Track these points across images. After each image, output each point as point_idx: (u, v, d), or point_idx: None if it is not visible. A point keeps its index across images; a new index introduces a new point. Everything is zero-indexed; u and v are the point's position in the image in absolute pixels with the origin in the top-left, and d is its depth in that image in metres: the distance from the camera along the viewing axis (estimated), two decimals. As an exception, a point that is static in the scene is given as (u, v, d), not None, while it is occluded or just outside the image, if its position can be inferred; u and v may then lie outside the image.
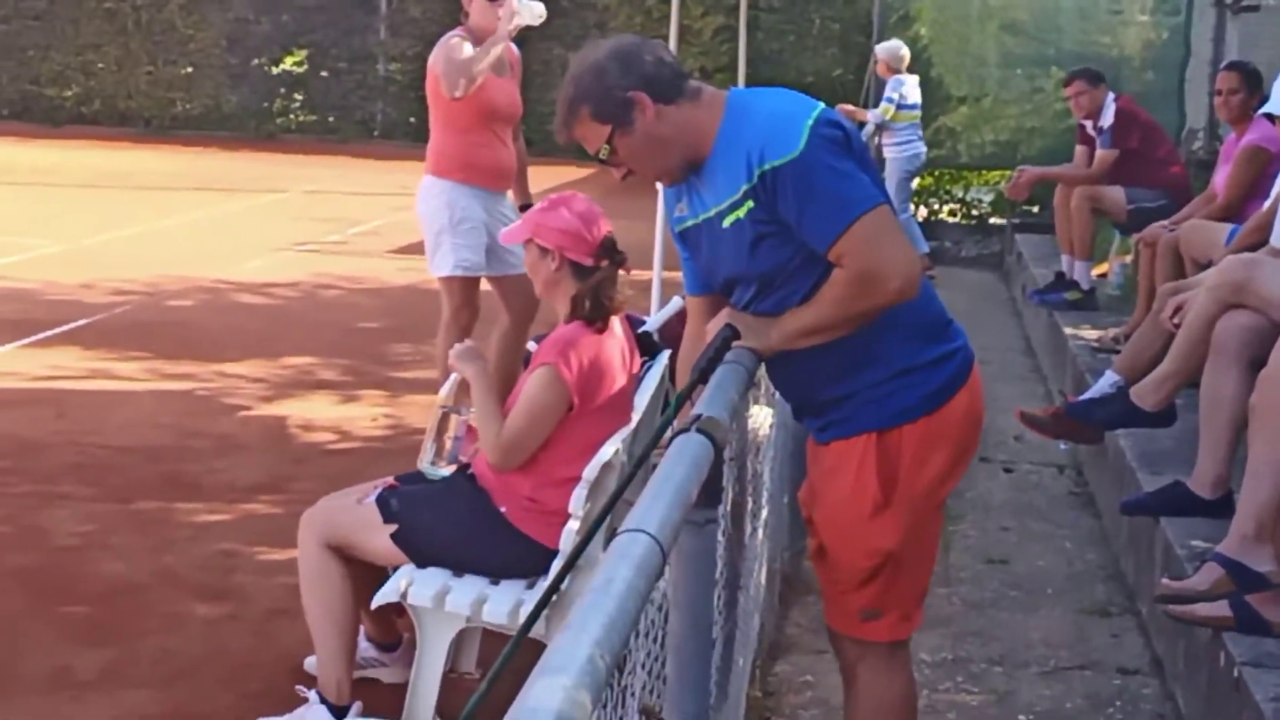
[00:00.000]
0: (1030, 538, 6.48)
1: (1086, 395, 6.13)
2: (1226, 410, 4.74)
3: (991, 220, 15.03)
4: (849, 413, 3.40)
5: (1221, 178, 8.08)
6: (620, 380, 4.48)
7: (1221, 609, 4.21)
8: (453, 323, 6.90)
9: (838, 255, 3.20)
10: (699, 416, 2.74)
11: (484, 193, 6.93)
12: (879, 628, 3.51)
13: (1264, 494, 4.15)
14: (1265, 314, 4.78)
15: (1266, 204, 6.44)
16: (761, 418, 4.32)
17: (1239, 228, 6.77)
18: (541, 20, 7.03)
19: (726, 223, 3.25)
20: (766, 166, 3.15)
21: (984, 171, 15.52)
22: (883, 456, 3.37)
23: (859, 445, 3.39)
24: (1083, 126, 9.95)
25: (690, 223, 3.37)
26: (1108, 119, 9.58)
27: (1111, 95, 9.74)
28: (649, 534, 2.12)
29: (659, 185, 4.50)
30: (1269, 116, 5.62)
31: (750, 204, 3.20)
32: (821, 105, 3.28)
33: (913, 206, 13.94)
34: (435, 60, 6.89)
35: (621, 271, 4.50)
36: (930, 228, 14.48)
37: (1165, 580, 4.45)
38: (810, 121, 3.17)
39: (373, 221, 15.58)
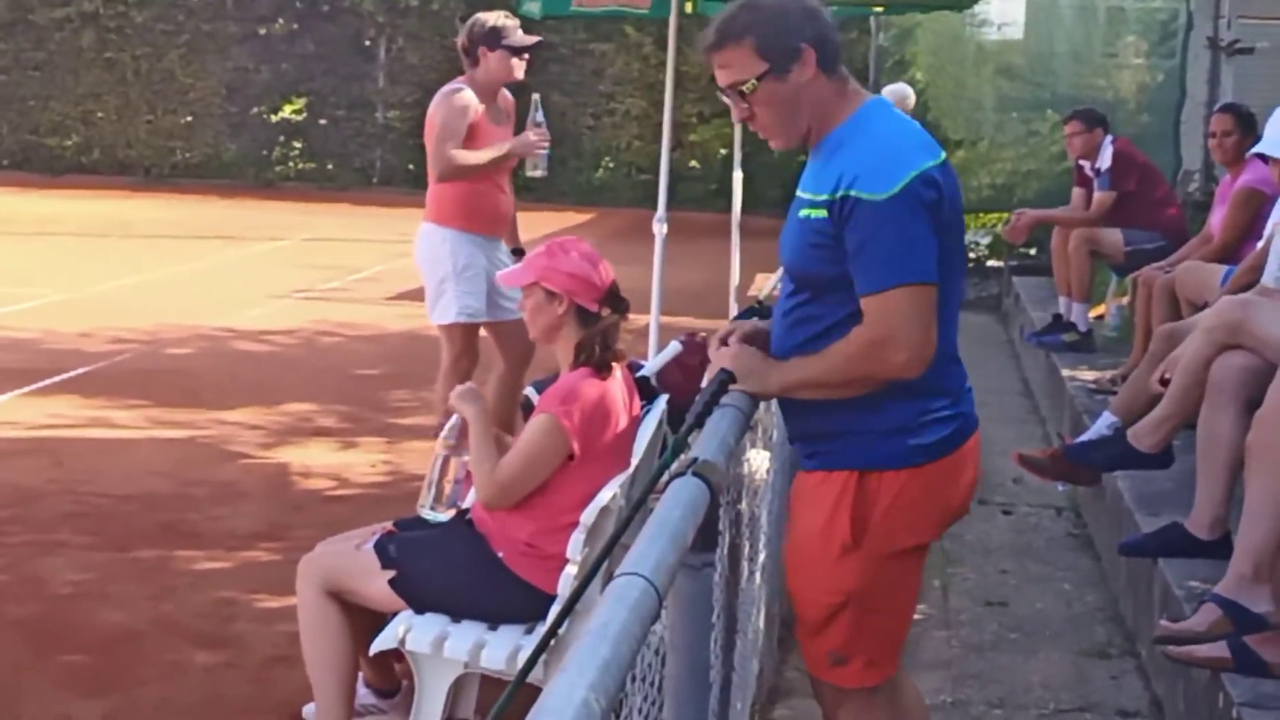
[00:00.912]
0: (1029, 580, 6.48)
1: (1084, 437, 6.15)
2: (1223, 451, 4.75)
3: (989, 263, 15.06)
4: (838, 446, 3.41)
5: (1217, 219, 8.12)
6: (621, 425, 4.49)
7: (1220, 650, 4.20)
8: (453, 369, 6.91)
9: (865, 309, 3.26)
10: (695, 460, 2.75)
11: (484, 240, 6.96)
12: (847, 673, 3.51)
13: (1261, 534, 4.16)
14: (1261, 354, 4.80)
15: (1260, 244, 6.47)
16: (759, 461, 4.33)
17: (1234, 269, 6.79)
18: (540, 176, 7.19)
19: (802, 212, 3.32)
20: (851, 193, 3.21)
21: (981, 214, 15.56)
22: (859, 497, 3.38)
23: (839, 481, 3.41)
24: (1080, 168, 9.98)
25: (797, 194, 3.43)
26: (1105, 161, 9.62)
27: (1109, 137, 9.78)
28: (645, 578, 2.12)
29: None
30: (1261, 157, 5.65)
31: (823, 213, 3.25)
32: (934, 161, 3.31)
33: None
34: (434, 111, 6.92)
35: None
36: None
37: (1163, 621, 4.46)
38: (914, 174, 3.22)
39: (372, 268, 15.62)
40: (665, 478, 2.77)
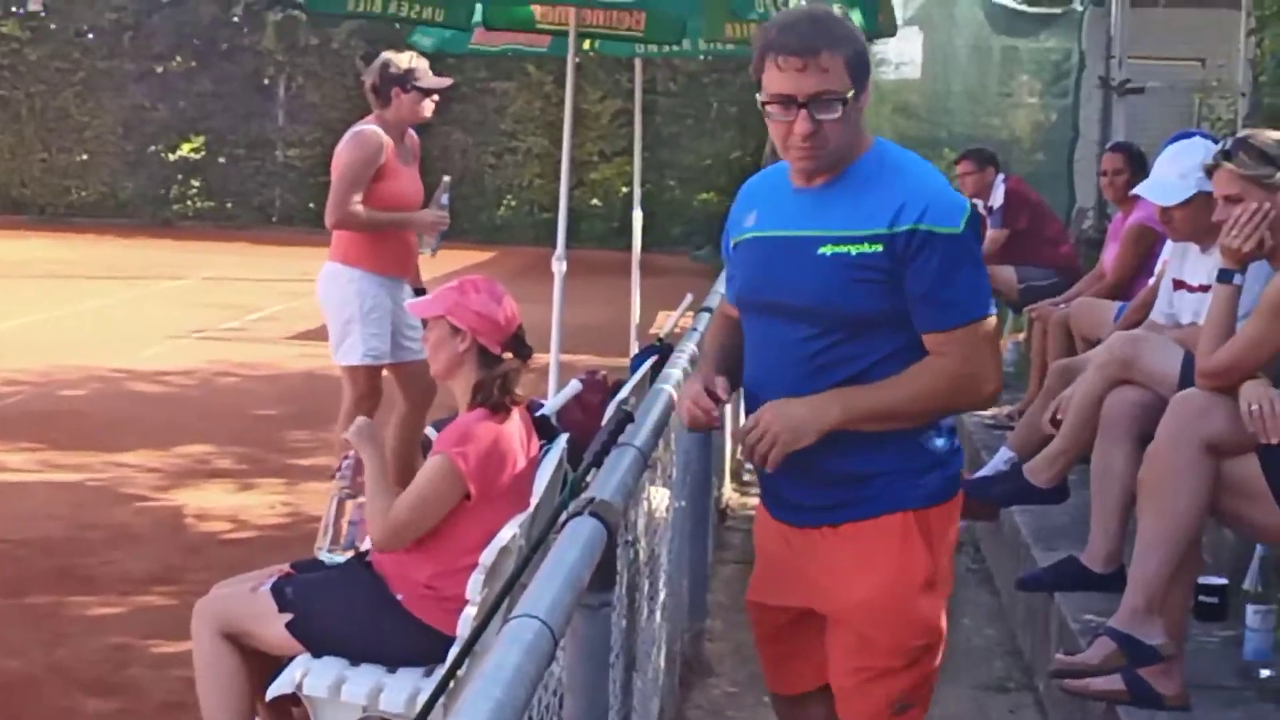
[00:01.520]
0: (929, 615, 6.50)
1: (982, 472, 6.19)
2: (1117, 485, 4.80)
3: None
4: (877, 490, 3.26)
5: (1110, 256, 8.23)
6: (519, 465, 4.47)
7: (1114, 682, 4.25)
8: (355, 410, 6.84)
9: (943, 343, 3.17)
10: (591, 500, 2.75)
11: (391, 281, 6.92)
12: None
13: (1153, 568, 4.21)
14: (1152, 389, 4.86)
15: (1151, 281, 6.56)
16: (659, 499, 4.33)
17: (1127, 305, 6.89)
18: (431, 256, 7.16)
19: (827, 250, 3.15)
20: (921, 226, 3.09)
21: (880, 252, 15.68)
22: (924, 535, 3.28)
23: (898, 523, 3.26)
24: (973, 206, 10.08)
25: (754, 235, 3.30)
26: (997, 199, 9.75)
27: (1001, 176, 9.92)
28: (539, 619, 2.12)
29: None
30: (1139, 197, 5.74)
31: (876, 247, 3.11)
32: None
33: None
34: (343, 151, 6.88)
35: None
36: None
37: (1059, 655, 4.50)
38: (970, 210, 3.21)
39: (271, 308, 15.50)
40: (563, 518, 2.77)
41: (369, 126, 6.88)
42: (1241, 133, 4.59)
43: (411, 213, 7.01)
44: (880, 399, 3.20)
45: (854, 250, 3.13)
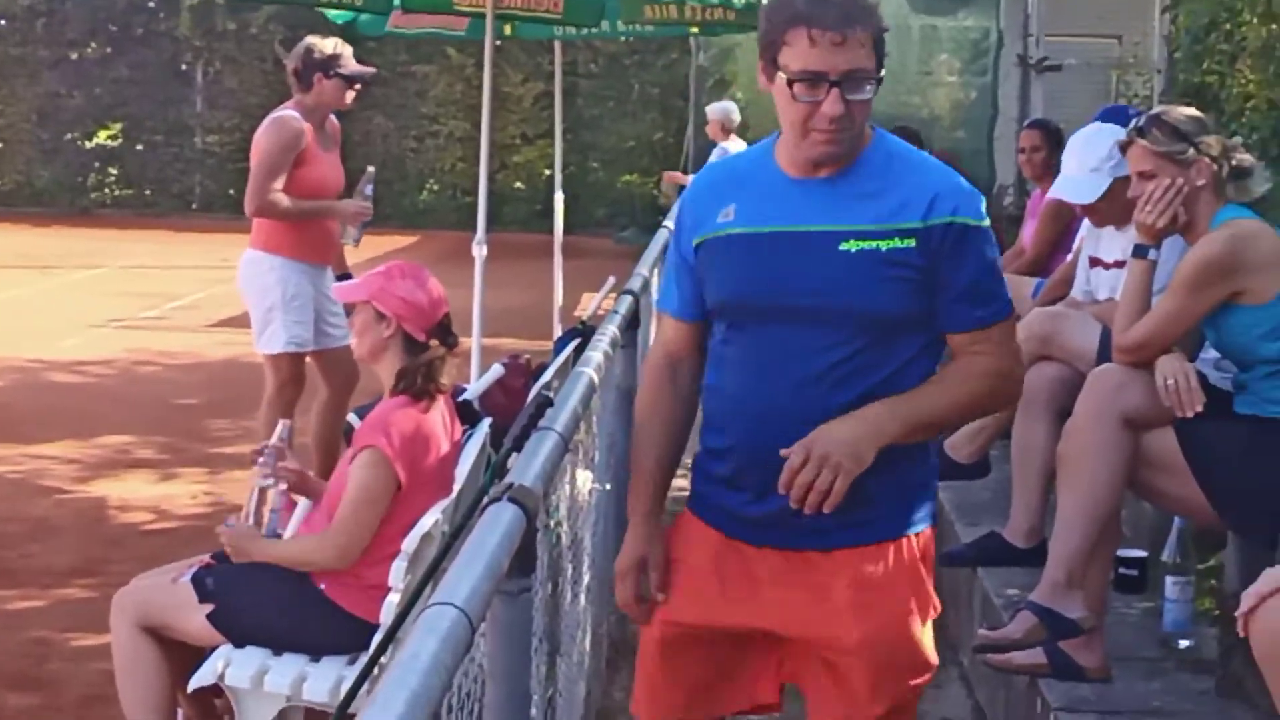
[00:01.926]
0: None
1: (904, 449, 6.22)
2: (1037, 460, 4.84)
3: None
4: (881, 513, 2.99)
5: (1029, 233, 8.28)
6: (442, 451, 4.45)
7: (1036, 656, 4.28)
8: (277, 398, 6.80)
9: (979, 342, 2.97)
10: (510, 485, 2.74)
11: (313, 268, 6.87)
12: None
13: (1073, 542, 4.24)
14: (1071, 365, 4.90)
15: (1070, 257, 6.61)
16: (582, 482, 4.32)
17: (1046, 281, 6.94)
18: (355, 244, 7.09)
19: (851, 246, 2.87)
20: (957, 219, 2.87)
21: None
22: (925, 561, 3.08)
23: (902, 550, 3.01)
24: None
25: (743, 231, 2.97)
26: (920, 177, 9.77)
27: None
28: (457, 607, 2.11)
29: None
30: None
31: (910, 242, 2.86)
32: None
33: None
34: (262, 137, 6.80)
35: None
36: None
37: (982, 630, 4.53)
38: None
39: (191, 295, 15.36)
40: (483, 504, 2.76)
41: (288, 112, 6.82)
42: (1155, 109, 4.62)
43: (334, 202, 6.97)
44: (931, 406, 2.95)
45: (884, 246, 2.86)
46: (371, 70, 7.11)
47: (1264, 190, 4.28)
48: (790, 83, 2.82)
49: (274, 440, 4.69)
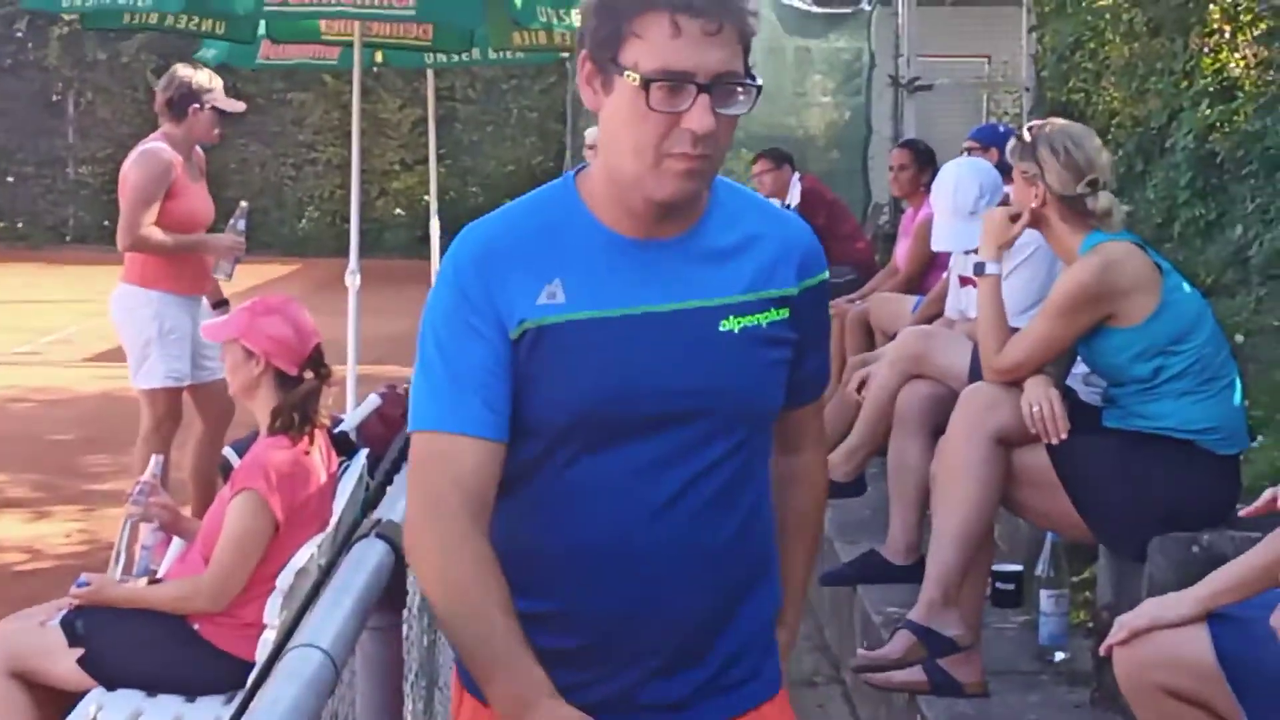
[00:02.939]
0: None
1: (784, 470, 6.25)
2: (912, 478, 4.88)
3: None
4: (766, 655, 2.45)
5: (902, 251, 8.37)
6: (319, 486, 4.41)
7: (915, 674, 4.32)
8: (154, 433, 6.71)
9: (814, 414, 2.54)
10: (379, 521, 2.71)
11: (188, 300, 6.80)
12: None
13: (948, 560, 4.28)
14: (944, 383, 4.95)
15: (945, 275, 6.69)
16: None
17: (923, 299, 7.02)
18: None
19: (733, 325, 2.27)
20: (816, 280, 2.38)
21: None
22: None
23: (784, 699, 2.50)
24: (772, 208, 10.19)
25: (585, 316, 2.24)
26: (794, 198, 9.86)
27: (797, 175, 10.04)
28: (321, 649, 2.08)
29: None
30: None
31: (784, 313, 2.32)
32: None
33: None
34: (130, 170, 6.72)
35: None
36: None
37: (862, 650, 4.56)
38: None
39: (65, 329, 15.11)
40: (354, 539, 2.73)
41: (156, 144, 6.74)
42: (1040, 122, 4.63)
43: (207, 236, 6.92)
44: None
45: (764, 321, 2.30)
46: (243, 106, 7.06)
47: (1121, 222, 4.32)
48: (645, 85, 2.13)
49: (146, 476, 4.63)
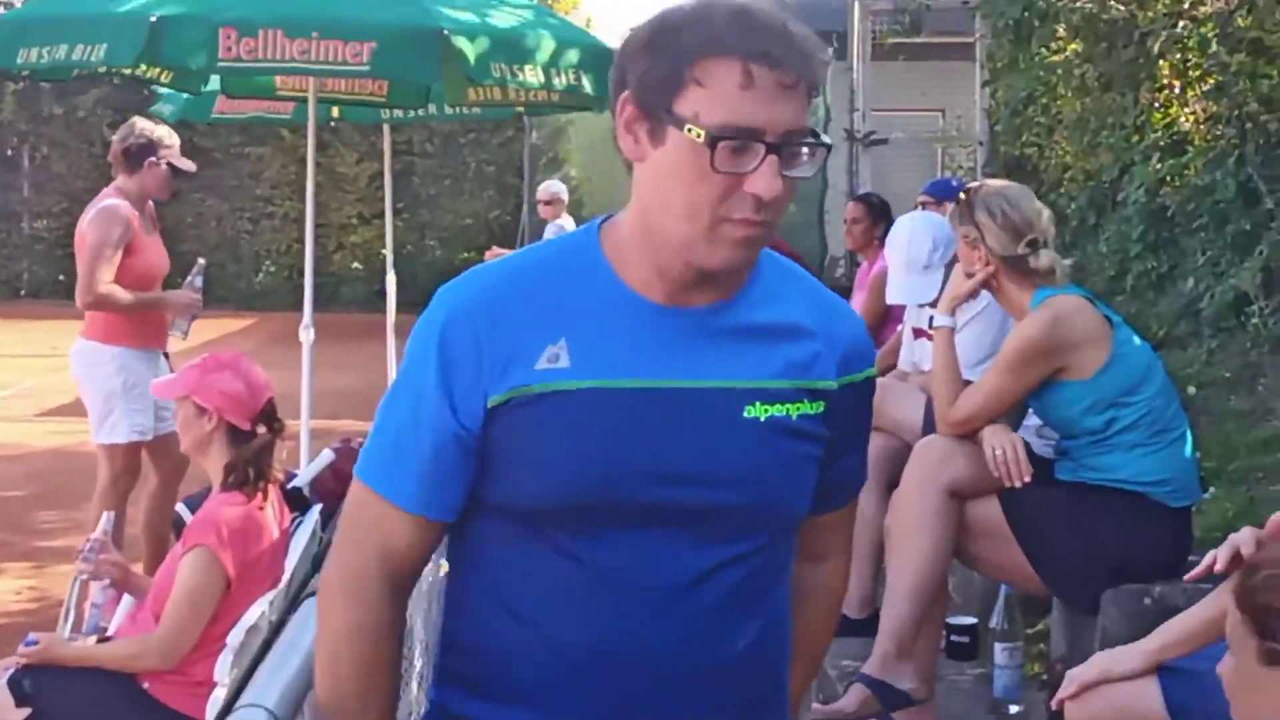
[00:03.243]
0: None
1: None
2: (866, 531, 4.87)
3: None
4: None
5: (857, 304, 8.40)
6: (271, 542, 4.38)
7: (871, 728, 4.32)
8: (111, 489, 6.67)
9: (844, 519, 2.31)
10: (329, 578, 2.69)
11: (149, 354, 6.79)
12: None
13: (903, 613, 4.28)
14: (898, 436, 4.96)
15: (899, 328, 6.72)
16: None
17: (878, 352, 7.04)
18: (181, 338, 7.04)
19: (758, 413, 2.01)
20: (862, 375, 2.13)
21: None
22: None
23: None
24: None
25: (589, 385, 1.98)
26: (751, 253, 9.91)
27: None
28: (265, 709, 2.07)
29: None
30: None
31: (818, 407, 2.06)
32: None
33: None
34: (89, 229, 6.71)
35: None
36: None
37: (817, 704, 4.54)
38: None
39: (21, 384, 14.98)
40: (303, 596, 2.71)
41: (112, 201, 6.74)
42: (983, 183, 4.69)
43: (165, 294, 6.93)
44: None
45: (794, 412, 2.04)
46: (194, 166, 7.11)
47: (1066, 276, 4.37)
48: (712, 143, 1.89)
49: (97, 533, 4.60)
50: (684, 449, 1.99)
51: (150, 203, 6.98)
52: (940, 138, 15.64)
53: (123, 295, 6.63)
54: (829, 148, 2.00)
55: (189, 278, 6.94)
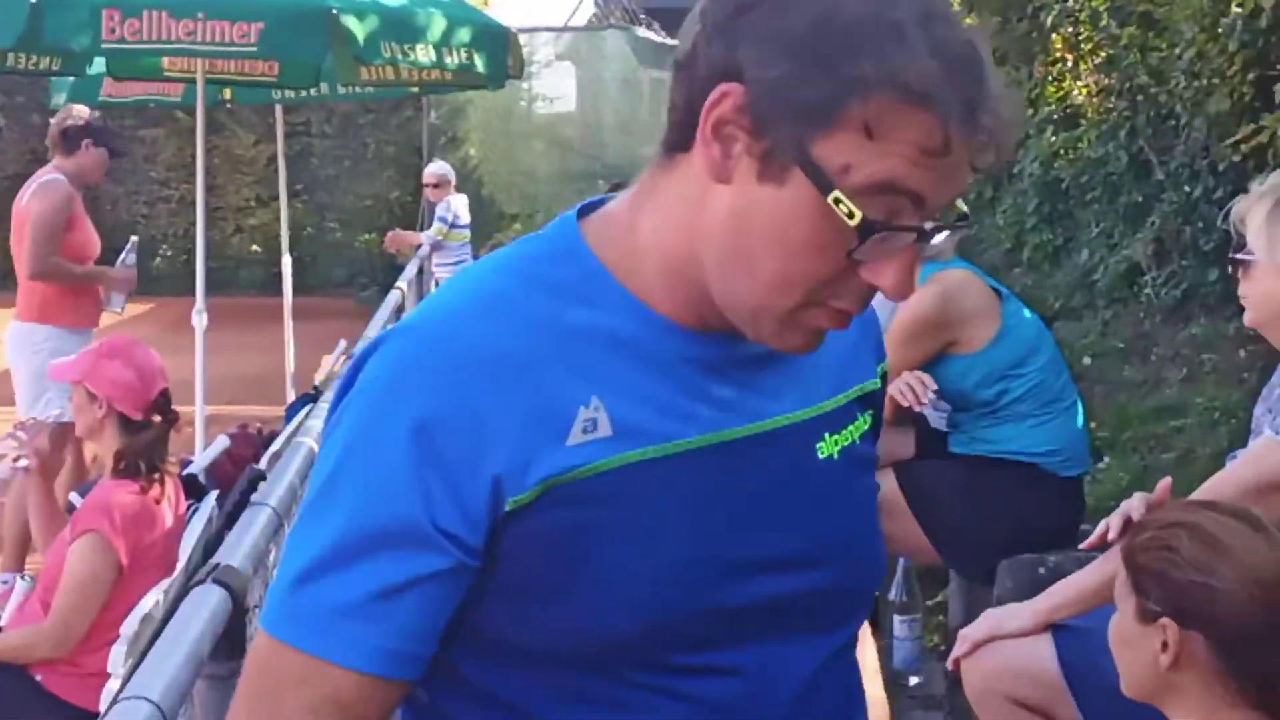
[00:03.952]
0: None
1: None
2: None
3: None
4: None
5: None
6: (165, 530, 4.33)
7: None
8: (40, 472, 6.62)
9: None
10: (216, 566, 2.67)
11: (83, 334, 6.82)
12: None
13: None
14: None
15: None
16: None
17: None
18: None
19: (832, 448, 1.53)
20: (886, 364, 1.71)
21: (543, 285, 15.78)
22: None
23: None
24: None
25: (655, 452, 1.42)
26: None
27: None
28: (150, 701, 2.03)
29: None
30: None
31: (867, 419, 1.61)
32: None
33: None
34: (32, 203, 6.75)
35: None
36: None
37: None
38: None
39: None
40: (193, 584, 2.68)
41: (54, 176, 6.82)
42: None
43: (105, 269, 7.04)
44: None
45: (857, 435, 1.57)
46: (127, 152, 7.30)
47: (952, 251, 4.40)
48: (865, 232, 1.32)
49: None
50: (768, 518, 1.45)
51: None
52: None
53: (71, 267, 6.74)
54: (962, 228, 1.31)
55: (122, 255, 7.03)
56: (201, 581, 2.58)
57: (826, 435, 1.51)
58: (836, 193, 1.30)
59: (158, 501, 4.29)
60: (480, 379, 1.38)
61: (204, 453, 5.68)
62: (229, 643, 2.58)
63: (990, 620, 3.35)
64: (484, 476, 1.37)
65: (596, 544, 1.39)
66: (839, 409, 1.54)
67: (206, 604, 2.50)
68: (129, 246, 7.05)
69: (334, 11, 6.11)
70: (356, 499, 1.39)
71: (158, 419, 4.34)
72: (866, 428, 1.59)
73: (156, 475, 4.29)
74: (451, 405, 1.37)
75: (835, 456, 1.51)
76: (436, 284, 12.98)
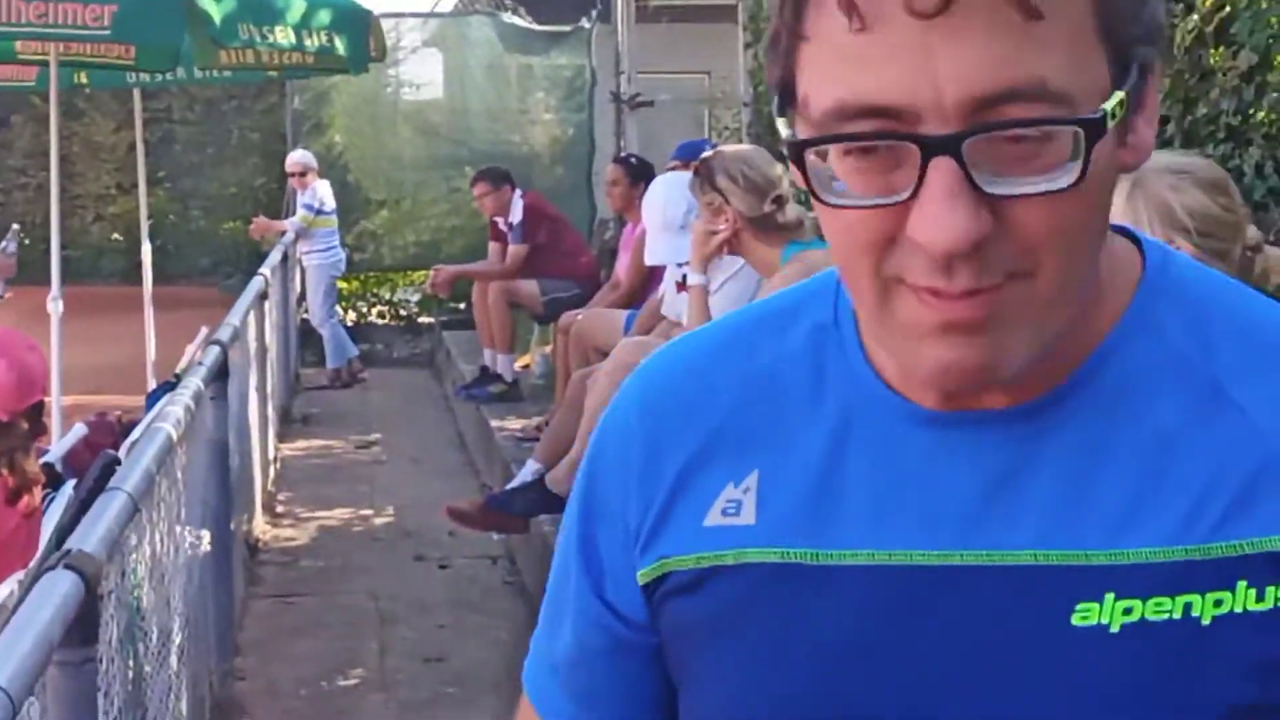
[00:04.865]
0: (466, 632, 6.53)
1: (510, 485, 6.27)
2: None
3: (420, 320, 15.24)
4: None
5: (623, 265, 8.47)
6: (20, 518, 4.25)
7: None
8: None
9: None
10: (68, 552, 2.64)
11: None
12: None
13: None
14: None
15: (659, 289, 6.78)
16: (163, 542, 4.19)
17: (637, 313, 7.10)
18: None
19: (1110, 617, 0.99)
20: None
21: (409, 272, 15.69)
22: None
23: None
24: (495, 223, 10.25)
25: (788, 555, 1.08)
26: (516, 215, 9.92)
27: (519, 192, 10.09)
28: (-3, 687, 2.01)
29: None
30: None
31: (1276, 596, 0.97)
32: None
33: (340, 311, 13.96)
34: None
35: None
36: (360, 331, 14.54)
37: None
38: None
39: None
40: (43, 570, 2.65)
41: None
42: (716, 150, 4.79)
43: None
44: None
45: (1210, 613, 0.98)
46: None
47: (814, 231, 4.46)
48: (798, 153, 0.99)
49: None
50: (960, 683, 1.02)
51: None
52: (707, 99, 15.75)
53: None
54: (1089, 124, 0.92)
55: (3, 243, 6.88)
56: (53, 568, 2.55)
57: (1113, 595, 0.99)
58: (787, 127, 1.01)
59: (16, 497, 4.21)
60: (652, 436, 1.15)
61: (60, 441, 5.61)
62: (81, 629, 2.55)
63: None
64: (627, 546, 1.16)
65: (711, 654, 1.11)
66: (1161, 565, 0.98)
67: (58, 590, 2.47)
68: (11, 234, 6.92)
69: (190, -7, 6.04)
70: (559, 553, 1.26)
71: (25, 426, 4.23)
72: (1264, 610, 0.97)
73: (20, 487, 4.18)
74: (618, 459, 1.16)
75: (1114, 630, 0.98)
76: (302, 271, 12.86)
